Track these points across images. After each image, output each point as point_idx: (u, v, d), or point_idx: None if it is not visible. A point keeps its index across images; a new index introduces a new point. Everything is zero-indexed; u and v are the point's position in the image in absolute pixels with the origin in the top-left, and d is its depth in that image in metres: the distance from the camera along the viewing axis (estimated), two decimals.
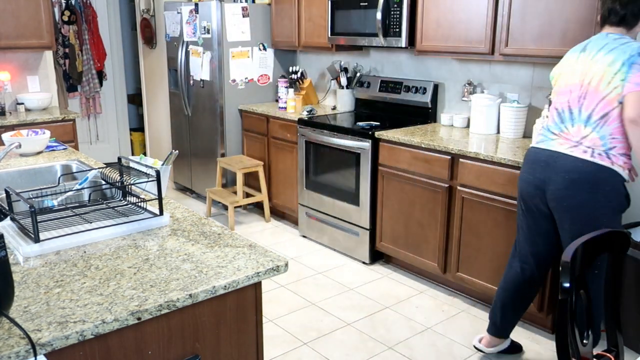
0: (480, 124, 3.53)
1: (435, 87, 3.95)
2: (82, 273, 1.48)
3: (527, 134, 3.43)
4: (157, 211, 1.85)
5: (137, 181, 1.93)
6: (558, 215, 2.39)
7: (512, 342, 2.81)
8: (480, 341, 2.82)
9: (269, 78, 4.99)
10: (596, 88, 2.26)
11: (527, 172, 2.47)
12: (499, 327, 2.72)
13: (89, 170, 2.26)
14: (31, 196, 1.93)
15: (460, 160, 3.17)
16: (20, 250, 1.59)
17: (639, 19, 2.29)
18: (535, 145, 2.48)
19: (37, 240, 1.61)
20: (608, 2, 2.32)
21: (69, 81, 6.10)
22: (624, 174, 2.26)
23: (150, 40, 5.80)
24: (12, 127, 4.03)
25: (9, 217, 1.79)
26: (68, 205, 1.91)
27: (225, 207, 4.96)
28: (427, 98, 3.94)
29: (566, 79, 2.40)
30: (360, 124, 3.89)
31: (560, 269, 1.56)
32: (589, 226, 2.24)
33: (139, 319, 1.29)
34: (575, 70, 2.36)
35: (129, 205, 1.93)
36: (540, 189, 2.41)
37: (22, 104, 4.46)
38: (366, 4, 3.84)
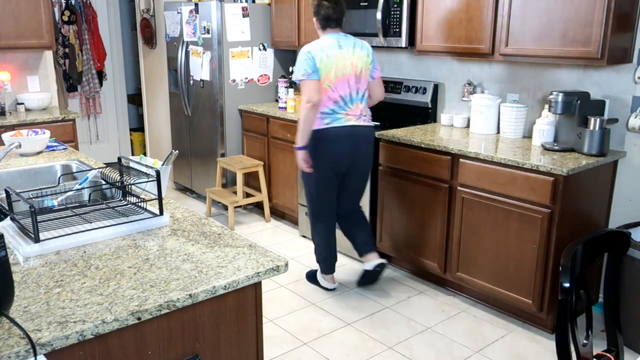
0: (480, 124, 3.53)
1: (435, 87, 3.95)
2: (82, 273, 1.48)
3: (527, 134, 3.43)
4: (157, 211, 1.85)
5: (137, 181, 1.93)
6: (360, 167, 3.29)
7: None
8: (331, 280, 3.48)
9: (269, 78, 4.99)
10: (364, 74, 3.18)
11: (337, 145, 3.16)
12: (335, 262, 3.47)
13: (89, 170, 2.26)
14: (31, 196, 1.93)
15: (460, 160, 3.17)
16: (20, 250, 1.59)
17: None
18: (331, 126, 3.14)
19: (37, 240, 1.61)
20: (323, 10, 3.14)
21: (69, 81, 6.10)
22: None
23: (150, 40, 5.80)
24: (12, 127, 4.03)
25: (9, 217, 1.79)
26: (68, 205, 1.91)
27: (225, 207, 4.96)
28: (427, 98, 3.94)
29: (342, 70, 3.11)
30: None
31: (560, 269, 1.56)
32: (371, 164, 3.35)
33: (139, 319, 1.29)
34: (347, 63, 3.12)
35: (129, 205, 1.93)
36: (348, 155, 3.19)
37: (22, 104, 4.46)
38: (366, 4, 3.84)
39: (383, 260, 3.41)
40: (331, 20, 3.15)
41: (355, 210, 3.45)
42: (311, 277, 3.57)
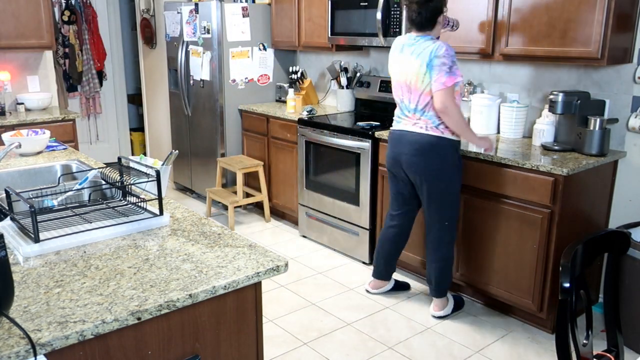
0: (480, 124, 3.53)
1: None
2: (82, 273, 1.48)
3: (527, 134, 3.43)
4: (157, 211, 1.85)
5: (137, 181, 1.93)
6: (413, 178, 3.02)
7: (397, 281, 3.47)
8: (369, 285, 3.44)
9: (269, 78, 4.99)
10: (415, 85, 2.88)
11: (389, 148, 3.10)
12: (382, 272, 3.37)
13: (89, 170, 2.26)
14: (31, 196, 1.93)
15: None
16: (20, 250, 1.59)
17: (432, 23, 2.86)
18: (392, 128, 3.10)
19: (37, 240, 1.61)
20: (406, 11, 2.89)
21: (69, 81, 6.10)
22: (454, 136, 2.93)
23: (150, 40, 5.80)
24: (12, 127, 4.03)
25: (9, 217, 1.79)
26: (68, 205, 1.91)
27: (225, 207, 4.96)
28: None
29: (396, 75, 2.99)
30: (360, 124, 3.88)
31: (560, 269, 1.56)
32: (437, 182, 2.94)
33: (139, 319, 1.29)
34: (400, 69, 2.95)
35: (129, 205, 1.93)
36: (397, 160, 3.05)
37: (22, 104, 4.46)
38: (366, 4, 3.84)
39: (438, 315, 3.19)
40: (412, 22, 2.88)
41: (427, 233, 3.10)
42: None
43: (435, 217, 3.01)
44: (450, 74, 2.76)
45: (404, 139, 2.98)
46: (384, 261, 3.33)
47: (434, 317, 3.15)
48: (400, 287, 3.47)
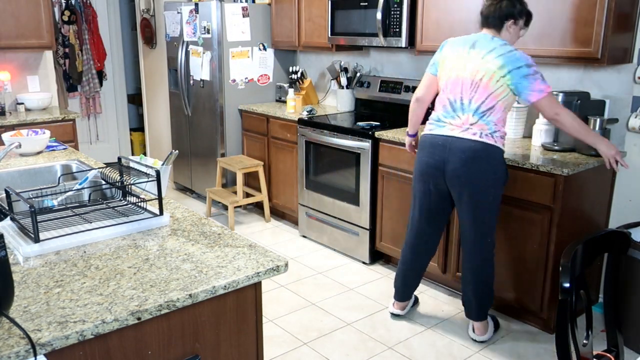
0: None
1: None
2: (82, 273, 1.48)
3: (527, 134, 3.43)
4: (157, 211, 1.85)
5: (137, 181, 1.93)
6: (457, 191, 2.73)
7: (415, 296, 3.28)
8: (394, 306, 3.16)
9: (269, 78, 4.99)
10: (487, 84, 2.63)
11: (427, 155, 2.79)
12: (404, 293, 3.11)
13: (89, 170, 2.26)
14: (31, 196, 1.93)
15: None
16: (20, 250, 1.59)
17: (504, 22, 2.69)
18: (430, 133, 2.80)
19: (37, 240, 1.61)
20: (485, 6, 2.72)
21: (69, 81, 6.10)
22: (504, 147, 2.73)
23: (150, 40, 5.80)
24: (12, 127, 4.03)
25: (9, 217, 1.79)
26: (68, 205, 1.91)
27: (225, 207, 4.96)
28: None
29: (457, 71, 2.71)
30: (360, 124, 3.88)
31: (560, 269, 1.56)
32: (483, 195, 2.69)
33: (139, 319, 1.29)
34: (466, 65, 2.68)
35: (129, 205, 1.93)
36: (439, 169, 2.73)
37: (22, 103, 4.46)
38: (366, 4, 3.84)
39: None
40: (482, 16, 2.73)
41: (467, 252, 2.83)
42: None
43: (479, 234, 2.75)
44: (544, 82, 2.59)
45: (452, 146, 2.67)
46: (403, 280, 3.07)
47: (477, 341, 2.91)
48: (417, 301, 3.31)
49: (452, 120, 2.72)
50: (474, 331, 2.93)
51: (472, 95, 2.66)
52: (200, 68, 4.82)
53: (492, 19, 2.68)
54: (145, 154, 6.48)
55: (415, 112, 2.97)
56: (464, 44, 2.72)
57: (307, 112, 4.32)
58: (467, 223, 2.77)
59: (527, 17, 2.72)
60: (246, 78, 4.84)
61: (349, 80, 4.46)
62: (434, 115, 2.82)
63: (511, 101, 2.69)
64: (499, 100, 2.63)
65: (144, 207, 1.89)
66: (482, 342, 2.92)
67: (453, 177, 2.70)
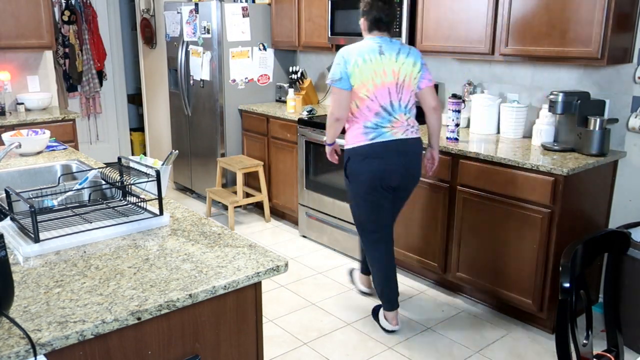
0: (480, 124, 3.53)
1: (435, 87, 3.94)
2: (82, 273, 1.48)
3: (527, 134, 3.43)
4: (157, 211, 1.85)
5: (137, 181, 1.93)
6: (407, 185, 2.97)
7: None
8: (390, 321, 3.03)
9: (269, 78, 4.99)
10: (409, 84, 2.85)
11: (384, 162, 2.84)
12: (397, 296, 3.07)
13: (89, 170, 2.26)
14: (31, 196, 1.93)
15: (460, 160, 3.17)
16: (20, 250, 1.59)
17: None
18: (375, 141, 2.83)
19: (37, 240, 1.61)
20: (374, 11, 2.84)
21: (69, 81, 6.10)
22: None
23: (150, 40, 5.80)
24: (12, 127, 4.03)
25: (9, 217, 1.79)
26: (68, 205, 1.91)
27: (225, 207, 4.96)
28: None
29: (380, 78, 2.80)
30: None
31: (560, 269, 1.56)
32: (415, 186, 3.02)
33: (139, 319, 1.29)
34: (385, 70, 2.80)
35: (129, 205, 1.93)
36: (397, 172, 2.87)
37: (22, 104, 4.46)
38: None
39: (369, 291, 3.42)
40: (382, 22, 2.83)
41: (393, 228, 3.14)
42: (374, 313, 3.17)
43: (399, 213, 3.17)
44: (430, 72, 2.95)
45: (407, 149, 2.86)
46: (395, 282, 3.05)
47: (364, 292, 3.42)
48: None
49: (392, 124, 2.83)
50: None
51: (400, 97, 2.84)
52: (200, 68, 4.82)
53: (386, 23, 2.85)
54: (145, 154, 6.48)
55: (334, 129, 2.92)
56: (371, 53, 2.80)
57: (307, 112, 4.31)
58: (400, 207, 3.11)
59: None
60: (246, 78, 4.84)
61: None
62: (367, 124, 2.82)
63: None
64: (413, 93, 2.90)
65: (144, 207, 1.89)
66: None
67: (411, 176, 2.94)
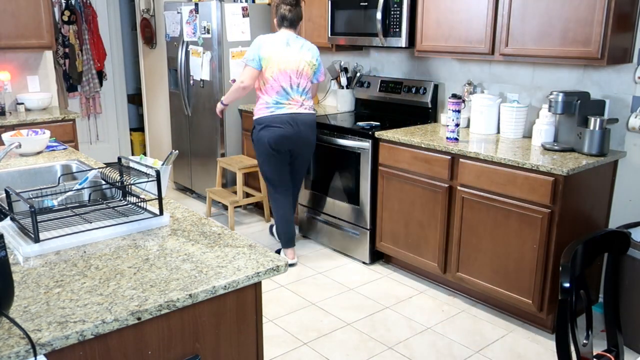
0: (480, 124, 3.53)
1: (435, 87, 3.95)
2: (82, 273, 1.48)
3: (527, 134, 3.43)
4: (157, 211, 1.85)
5: (137, 181, 1.93)
6: (301, 150, 3.71)
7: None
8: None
9: None
10: (307, 72, 3.62)
11: (280, 130, 3.56)
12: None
13: (89, 170, 2.26)
14: (31, 196, 1.93)
15: (460, 160, 3.17)
16: (20, 250, 1.59)
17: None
18: (274, 114, 3.57)
19: (37, 240, 1.61)
20: (280, 11, 3.60)
21: (69, 81, 6.10)
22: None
23: (150, 40, 5.80)
24: (12, 127, 4.03)
25: (9, 217, 1.79)
26: (68, 205, 1.91)
27: (225, 207, 4.96)
28: (427, 98, 3.94)
29: (284, 65, 3.54)
30: (360, 124, 3.89)
31: (560, 269, 1.56)
32: (312, 151, 3.81)
33: (139, 319, 1.29)
34: (289, 59, 3.55)
35: (129, 205, 1.93)
36: (291, 138, 3.59)
37: (22, 104, 4.46)
38: (366, 4, 3.84)
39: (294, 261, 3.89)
40: (285, 20, 3.59)
41: (297, 190, 3.96)
42: (270, 229, 4.32)
43: (302, 178, 3.93)
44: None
45: (298, 120, 3.58)
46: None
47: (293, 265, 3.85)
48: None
49: (289, 102, 3.57)
50: (294, 257, 3.89)
51: (299, 81, 3.59)
52: (200, 68, 4.82)
53: (290, 20, 3.58)
54: (145, 154, 6.48)
55: (237, 94, 3.67)
56: (280, 44, 3.54)
57: None
58: (301, 172, 3.86)
59: None
60: None
61: (349, 80, 4.46)
62: (268, 99, 3.57)
63: None
64: (309, 81, 3.66)
65: (144, 207, 1.89)
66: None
67: (304, 142, 3.65)
